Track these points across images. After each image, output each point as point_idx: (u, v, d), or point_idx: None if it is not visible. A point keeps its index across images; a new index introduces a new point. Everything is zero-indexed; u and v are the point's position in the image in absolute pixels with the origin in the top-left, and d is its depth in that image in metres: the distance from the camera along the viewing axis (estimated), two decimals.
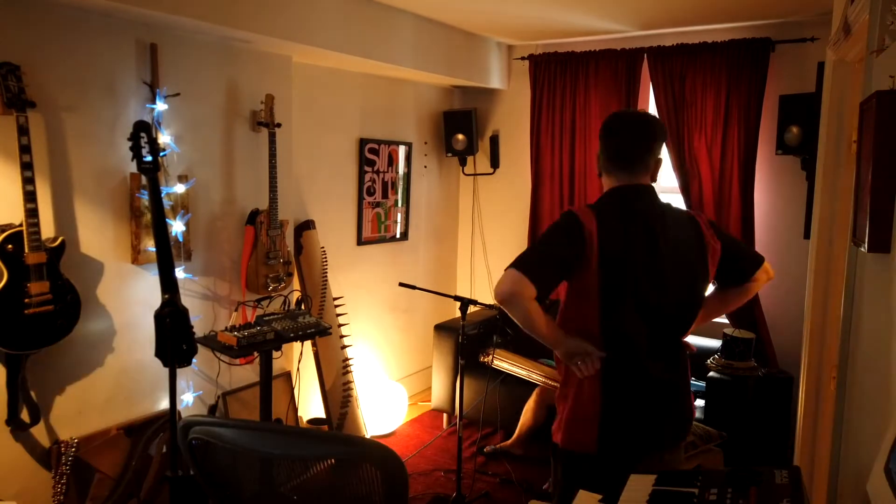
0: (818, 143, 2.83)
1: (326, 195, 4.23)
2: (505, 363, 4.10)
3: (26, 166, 2.53)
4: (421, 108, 4.93)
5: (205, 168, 3.35)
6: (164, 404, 3.21)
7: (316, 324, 3.18)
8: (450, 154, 5.03)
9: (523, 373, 4.00)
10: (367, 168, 4.49)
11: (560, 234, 1.90)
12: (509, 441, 4.05)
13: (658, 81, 4.29)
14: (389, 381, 4.57)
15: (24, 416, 2.73)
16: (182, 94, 3.16)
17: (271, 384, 3.14)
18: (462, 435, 3.33)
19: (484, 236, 5.31)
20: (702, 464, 3.15)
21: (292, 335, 3.06)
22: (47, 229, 2.71)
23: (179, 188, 3.19)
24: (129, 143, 2.75)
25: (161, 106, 3.07)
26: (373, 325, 4.66)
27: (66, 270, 2.73)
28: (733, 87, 4.07)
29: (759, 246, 4.14)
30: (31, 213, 2.55)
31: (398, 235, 4.85)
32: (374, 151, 4.54)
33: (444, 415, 4.52)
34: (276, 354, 3.18)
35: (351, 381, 4.10)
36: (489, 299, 4.98)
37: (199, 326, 3.21)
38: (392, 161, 4.69)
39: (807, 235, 3.67)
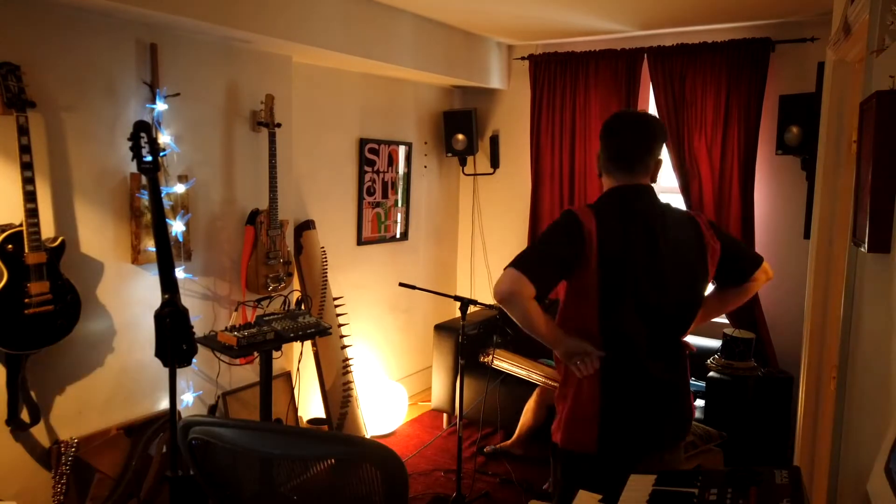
0: (818, 143, 2.83)
1: (326, 195, 4.23)
2: (505, 363, 4.10)
3: (26, 166, 2.53)
4: (421, 108, 4.93)
5: (205, 168, 3.35)
6: (164, 404, 3.21)
7: (316, 324, 3.18)
8: (450, 154, 5.03)
9: (523, 373, 4.00)
10: (367, 168, 4.49)
11: (559, 233, 1.90)
12: (509, 441, 4.05)
13: (658, 81, 4.29)
14: (389, 381, 4.57)
15: (24, 416, 2.73)
16: (182, 94, 3.16)
17: (271, 384, 3.14)
18: (462, 435, 3.33)
19: (484, 236, 5.31)
20: (702, 464, 3.15)
21: (292, 335, 3.06)
22: (47, 229, 2.71)
23: (179, 188, 3.19)
24: (129, 143, 2.75)
25: (161, 106, 3.07)
26: (373, 325, 4.66)
27: (66, 270, 2.73)
28: (733, 87, 4.07)
29: (759, 246, 4.14)
30: (31, 213, 2.55)
31: (398, 235, 4.85)
32: (374, 151, 4.54)
33: (444, 415, 4.52)
34: (276, 354, 3.18)
35: (351, 381, 4.10)
36: (489, 299, 4.98)
37: (199, 326, 3.21)
38: (392, 161, 4.69)
39: (807, 235, 3.67)
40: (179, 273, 3.13)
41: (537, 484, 3.71)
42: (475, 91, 5.16)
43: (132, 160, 2.77)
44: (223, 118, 3.42)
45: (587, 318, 1.91)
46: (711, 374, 3.69)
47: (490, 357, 4.16)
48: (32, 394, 2.75)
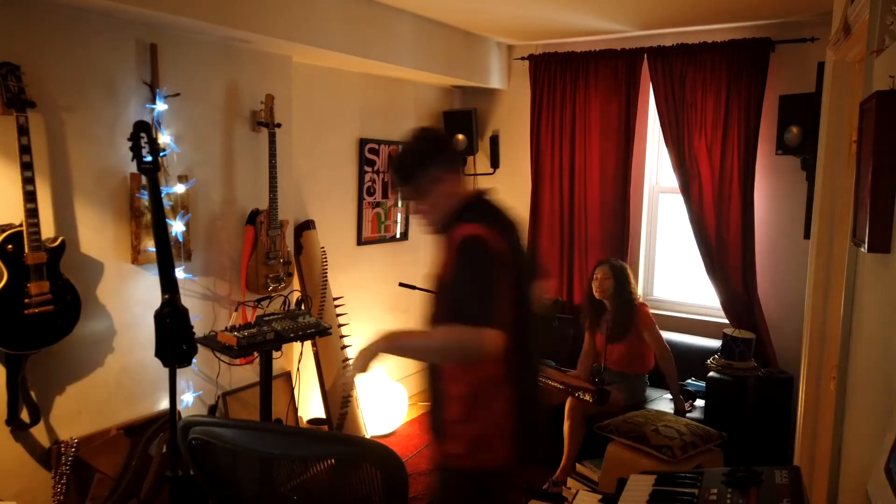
0: (818, 143, 2.83)
1: (326, 195, 4.23)
2: None
3: (26, 166, 2.53)
4: (421, 108, 4.93)
5: (205, 168, 3.35)
6: (164, 404, 3.21)
7: (316, 324, 3.18)
8: None
9: None
10: (367, 168, 4.49)
11: (493, 267, 1.83)
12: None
13: (658, 81, 4.29)
14: (389, 381, 4.57)
15: (24, 416, 2.73)
16: (182, 94, 3.16)
17: (271, 384, 3.14)
18: None
19: None
20: (702, 464, 3.15)
21: (292, 335, 3.06)
22: (47, 229, 2.71)
23: (179, 188, 3.19)
24: (129, 143, 2.75)
25: (161, 106, 3.07)
26: (373, 325, 4.66)
27: (66, 270, 2.73)
28: (733, 87, 4.07)
29: (759, 246, 4.14)
30: (31, 213, 2.55)
31: (398, 235, 4.85)
32: (374, 151, 4.54)
33: None
34: (276, 354, 3.18)
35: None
36: None
37: (199, 326, 3.21)
38: None
39: (807, 235, 3.67)
40: (179, 273, 3.13)
41: (537, 484, 3.71)
42: (475, 91, 5.15)
43: (132, 160, 2.77)
44: (223, 118, 3.42)
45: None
46: (711, 374, 3.69)
47: None
48: (32, 394, 2.75)
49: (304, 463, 1.52)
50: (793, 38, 3.94)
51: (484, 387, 1.88)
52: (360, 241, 4.52)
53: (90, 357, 2.98)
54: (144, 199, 3.01)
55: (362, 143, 4.42)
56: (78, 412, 2.94)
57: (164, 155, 3.05)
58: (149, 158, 2.76)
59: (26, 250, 2.56)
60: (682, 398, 3.81)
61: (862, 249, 1.65)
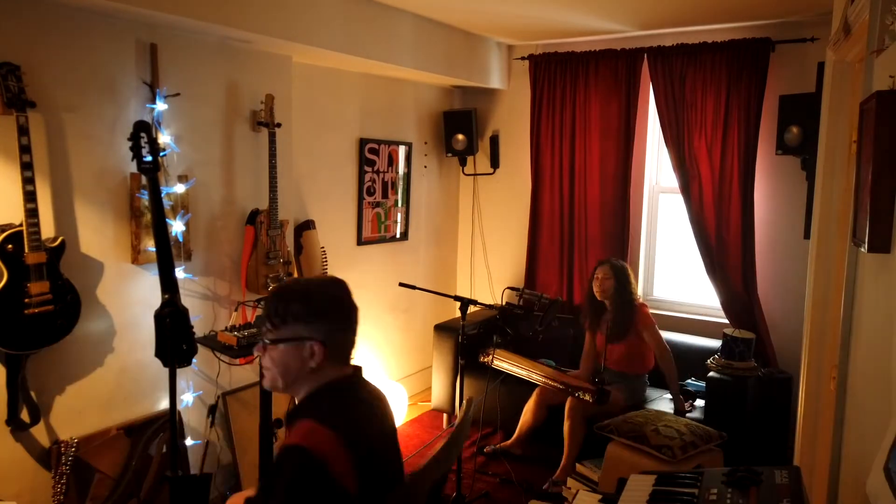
0: (818, 143, 2.83)
1: (326, 195, 4.23)
2: (505, 363, 4.09)
3: (26, 166, 2.52)
4: (421, 108, 4.93)
5: (205, 168, 3.35)
6: (164, 404, 3.21)
7: None
8: (450, 154, 5.03)
9: (523, 373, 4.00)
10: (367, 168, 4.49)
11: None
12: (509, 441, 4.05)
13: (658, 81, 4.29)
14: (389, 381, 4.57)
15: (24, 416, 2.73)
16: (182, 94, 3.16)
17: None
18: None
19: (484, 236, 5.31)
20: (702, 464, 3.15)
21: None
22: (47, 229, 2.71)
23: (179, 188, 3.19)
24: (129, 143, 2.75)
25: (161, 106, 3.07)
26: (373, 325, 4.66)
27: (66, 270, 2.73)
28: (733, 88, 4.07)
29: (759, 246, 4.14)
30: (31, 213, 2.55)
31: (398, 235, 4.85)
32: (374, 151, 4.54)
33: (444, 415, 4.52)
34: None
35: None
36: (489, 299, 4.99)
37: (199, 326, 3.21)
38: (392, 161, 4.69)
39: (807, 235, 3.67)
40: (179, 273, 3.13)
41: (537, 484, 3.71)
42: (475, 91, 5.16)
43: (132, 160, 2.77)
44: (223, 118, 3.42)
45: None
46: (711, 374, 3.69)
47: (490, 357, 4.15)
48: (32, 394, 2.75)
49: None
50: (793, 38, 3.94)
51: None
52: (360, 241, 4.52)
53: (90, 357, 2.98)
54: (144, 198, 3.01)
55: (362, 142, 4.42)
56: (78, 412, 2.94)
57: (164, 155, 3.05)
58: (149, 158, 2.76)
59: (26, 250, 2.56)
60: (682, 398, 3.82)
61: (862, 249, 1.65)
